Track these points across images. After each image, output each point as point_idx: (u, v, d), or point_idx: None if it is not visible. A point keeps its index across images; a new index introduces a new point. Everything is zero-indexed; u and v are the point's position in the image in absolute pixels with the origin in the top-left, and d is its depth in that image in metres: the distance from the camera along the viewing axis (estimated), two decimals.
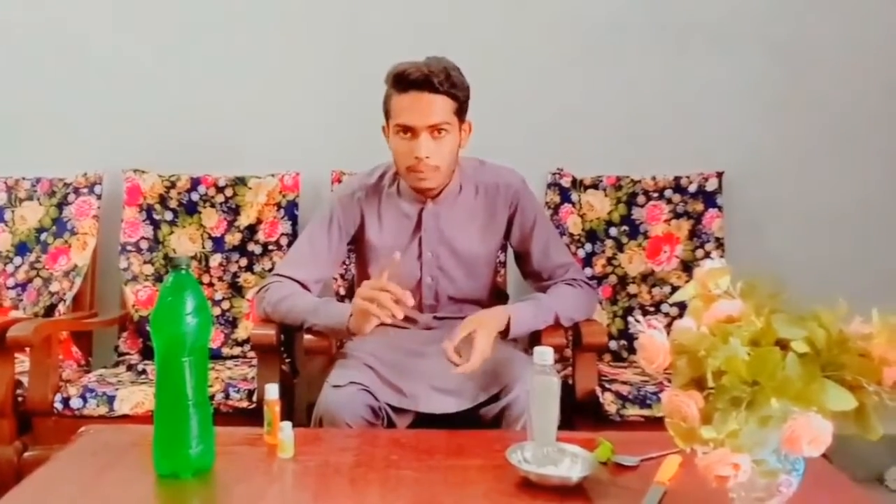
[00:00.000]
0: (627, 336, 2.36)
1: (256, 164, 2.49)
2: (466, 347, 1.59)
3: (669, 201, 2.42)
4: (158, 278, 2.40)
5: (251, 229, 2.45)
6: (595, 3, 2.51)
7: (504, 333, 1.70)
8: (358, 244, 1.86)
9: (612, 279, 2.42)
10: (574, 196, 2.43)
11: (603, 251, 2.43)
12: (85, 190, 2.42)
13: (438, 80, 1.61)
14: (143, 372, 2.16)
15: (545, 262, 1.84)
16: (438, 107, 1.64)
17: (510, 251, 1.95)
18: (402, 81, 1.64)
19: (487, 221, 1.82)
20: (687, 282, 1.12)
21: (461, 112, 1.69)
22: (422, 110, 1.63)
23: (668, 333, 1.04)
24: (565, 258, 1.87)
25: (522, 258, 1.88)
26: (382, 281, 1.51)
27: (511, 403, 1.57)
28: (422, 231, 1.79)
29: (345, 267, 2.32)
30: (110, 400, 1.93)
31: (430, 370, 1.66)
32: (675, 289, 2.32)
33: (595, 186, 2.45)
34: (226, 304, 2.42)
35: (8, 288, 2.38)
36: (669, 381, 1.04)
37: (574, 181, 2.45)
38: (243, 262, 2.45)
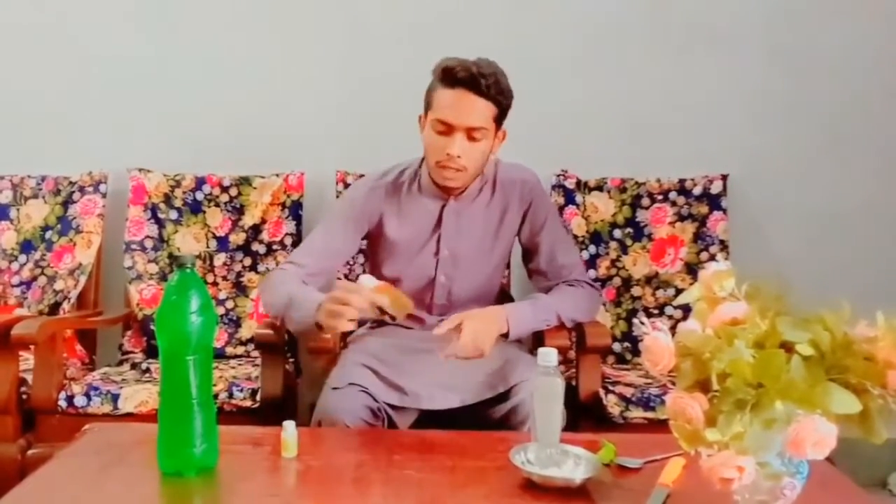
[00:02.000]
0: (631, 338, 2.35)
1: (261, 163, 2.50)
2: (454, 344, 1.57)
3: (674, 204, 2.42)
4: (163, 277, 2.40)
5: (255, 229, 2.45)
6: (598, 5, 2.52)
7: (505, 334, 1.68)
8: (373, 239, 1.84)
9: (617, 281, 2.41)
10: (578, 198, 2.43)
11: (607, 253, 2.43)
12: (90, 188, 2.43)
13: (486, 83, 1.60)
14: (148, 370, 2.16)
15: (552, 261, 1.83)
16: (479, 110, 1.62)
17: (515, 251, 1.95)
18: (450, 77, 1.61)
19: (504, 219, 1.81)
20: (691, 284, 1.11)
21: (500, 118, 1.68)
22: (463, 110, 1.62)
23: (673, 336, 1.04)
24: (572, 259, 1.86)
25: (529, 255, 1.87)
26: (355, 292, 1.46)
27: (517, 406, 1.57)
28: (441, 228, 1.79)
29: (349, 267, 2.32)
30: (114, 398, 1.93)
31: (431, 367, 1.64)
32: (679, 291, 2.33)
33: (599, 188, 2.46)
34: (230, 304, 2.42)
35: (13, 286, 2.39)
36: (673, 383, 1.04)
37: (578, 183, 2.45)
38: (247, 261, 2.45)
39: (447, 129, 1.63)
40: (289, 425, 1.32)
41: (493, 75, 1.62)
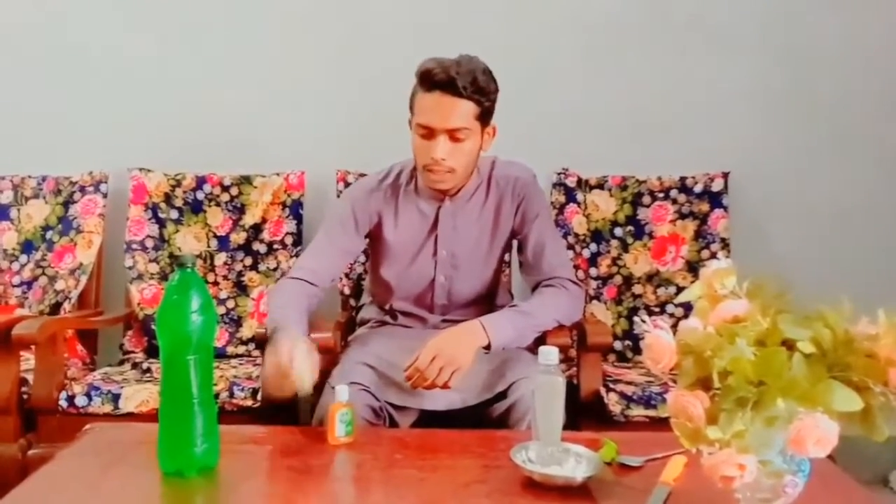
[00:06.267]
0: (632, 336, 2.35)
1: (261, 163, 2.50)
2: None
3: (675, 201, 2.42)
4: (164, 277, 2.40)
5: (256, 228, 2.45)
6: (598, 4, 2.52)
7: (487, 347, 1.62)
8: (373, 241, 1.84)
9: (618, 279, 2.41)
10: (579, 196, 2.43)
11: (608, 251, 2.43)
12: (91, 188, 2.43)
13: (463, 84, 1.57)
14: (148, 370, 2.16)
15: (538, 256, 1.79)
16: (460, 111, 1.60)
17: (514, 250, 1.94)
18: (427, 81, 1.60)
19: (499, 217, 1.80)
20: (692, 282, 1.11)
21: (485, 116, 1.65)
22: (442, 113, 1.60)
23: (674, 334, 1.04)
24: (558, 257, 1.83)
25: (520, 248, 1.85)
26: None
27: (516, 403, 1.56)
28: (438, 230, 1.78)
29: (350, 267, 2.32)
30: (115, 398, 1.93)
31: None
32: (680, 289, 2.33)
33: (600, 186, 2.45)
34: (230, 303, 2.42)
35: (14, 286, 2.39)
36: (675, 381, 1.04)
37: (579, 181, 2.45)
38: (248, 261, 2.45)
39: (429, 133, 1.62)
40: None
41: (471, 74, 1.58)
